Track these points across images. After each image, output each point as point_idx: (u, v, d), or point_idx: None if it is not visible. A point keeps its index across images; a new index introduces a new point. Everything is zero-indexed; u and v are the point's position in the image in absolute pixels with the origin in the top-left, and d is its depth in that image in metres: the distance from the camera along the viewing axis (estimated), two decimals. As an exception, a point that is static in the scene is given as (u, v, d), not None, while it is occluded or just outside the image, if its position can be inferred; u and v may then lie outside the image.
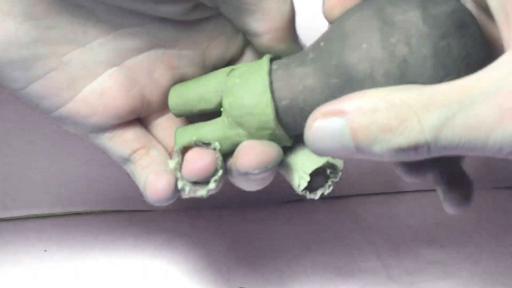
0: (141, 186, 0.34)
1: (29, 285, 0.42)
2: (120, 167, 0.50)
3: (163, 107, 0.36)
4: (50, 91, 0.33)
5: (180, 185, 0.32)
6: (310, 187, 0.33)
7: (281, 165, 0.34)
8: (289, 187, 0.52)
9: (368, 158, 0.27)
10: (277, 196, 0.52)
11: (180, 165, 0.32)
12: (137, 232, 0.48)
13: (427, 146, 0.26)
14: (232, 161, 0.33)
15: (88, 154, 0.50)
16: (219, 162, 0.32)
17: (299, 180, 0.33)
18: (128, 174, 0.49)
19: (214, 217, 0.50)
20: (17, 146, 0.49)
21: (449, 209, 0.34)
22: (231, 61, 0.36)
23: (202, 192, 0.32)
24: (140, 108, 0.35)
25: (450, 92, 0.25)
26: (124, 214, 0.50)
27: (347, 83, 0.30)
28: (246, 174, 0.32)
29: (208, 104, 0.34)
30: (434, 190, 0.52)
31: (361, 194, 0.53)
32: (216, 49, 0.35)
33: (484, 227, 0.48)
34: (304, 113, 0.32)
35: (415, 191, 0.53)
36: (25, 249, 0.46)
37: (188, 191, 0.32)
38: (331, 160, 0.33)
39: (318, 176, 0.33)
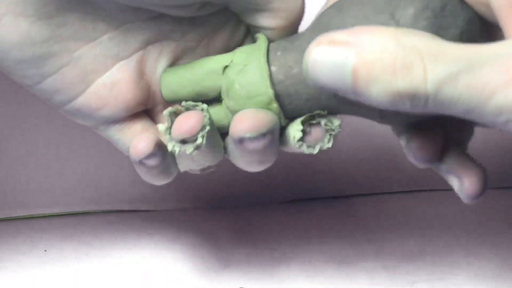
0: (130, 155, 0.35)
1: (29, 285, 0.42)
2: (120, 167, 0.50)
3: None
4: (62, 85, 0.33)
5: (170, 146, 0.32)
6: (308, 144, 0.33)
7: (281, 141, 0.34)
8: (289, 187, 0.52)
9: (360, 100, 0.26)
10: (277, 196, 0.52)
11: (170, 128, 0.33)
12: (137, 232, 0.48)
13: (425, 97, 0.25)
14: (229, 134, 0.33)
15: (88, 154, 0.50)
16: (207, 120, 0.32)
17: (294, 133, 0.33)
18: (128, 174, 0.49)
19: (214, 217, 0.50)
20: (17, 146, 0.49)
21: (466, 199, 0.33)
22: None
23: (190, 148, 0.32)
24: (147, 100, 0.36)
25: (460, 49, 0.25)
26: (124, 214, 0.50)
27: None
28: (241, 141, 0.31)
29: (205, 91, 0.34)
30: (434, 190, 0.52)
31: (361, 194, 0.53)
32: (220, 40, 0.35)
33: (484, 227, 0.48)
34: (300, 95, 0.32)
35: (415, 191, 0.53)
36: (25, 249, 0.46)
37: (178, 151, 0.32)
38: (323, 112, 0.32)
39: (315, 129, 0.33)
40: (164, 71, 0.35)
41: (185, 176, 0.50)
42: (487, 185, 0.32)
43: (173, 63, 0.35)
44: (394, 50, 0.25)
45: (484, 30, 0.31)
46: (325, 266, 0.44)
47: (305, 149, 0.33)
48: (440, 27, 0.29)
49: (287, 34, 0.34)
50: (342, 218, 0.50)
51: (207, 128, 0.32)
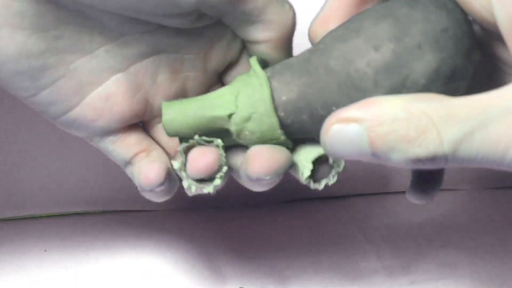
0: (136, 182, 0.35)
1: (29, 285, 0.42)
2: (120, 167, 0.50)
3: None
4: (58, 97, 0.33)
5: (186, 184, 0.33)
6: (315, 178, 0.34)
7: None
8: (289, 187, 0.52)
9: (384, 163, 0.27)
10: (277, 196, 0.52)
11: (184, 164, 0.33)
12: (137, 232, 0.48)
13: (444, 158, 0.26)
14: (242, 166, 0.33)
15: (88, 154, 0.50)
16: (223, 159, 0.32)
17: (303, 169, 0.33)
18: (127, 174, 0.49)
19: (214, 217, 0.50)
20: (17, 146, 0.49)
21: (411, 198, 0.34)
22: (231, 63, 0.36)
23: (208, 189, 0.32)
24: (143, 112, 0.36)
25: (469, 106, 0.26)
26: (124, 214, 0.50)
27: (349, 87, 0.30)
28: (257, 180, 0.32)
29: (210, 131, 0.34)
30: (434, 190, 0.52)
31: (361, 194, 0.53)
32: (217, 52, 0.35)
33: (484, 227, 0.48)
34: (309, 133, 0.32)
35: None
36: (25, 249, 0.46)
37: (195, 189, 0.33)
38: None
39: (322, 166, 0.34)
40: (164, 105, 0.34)
41: (185, 176, 0.51)
42: (432, 197, 0.34)
43: (174, 76, 0.35)
44: (406, 119, 0.26)
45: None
46: (325, 266, 0.44)
47: (311, 185, 0.34)
48: (450, 92, 0.29)
49: (281, 48, 0.34)
50: (342, 218, 0.50)
51: (225, 168, 0.32)
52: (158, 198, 0.35)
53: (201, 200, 0.51)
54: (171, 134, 0.34)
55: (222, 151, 0.32)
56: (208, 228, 0.48)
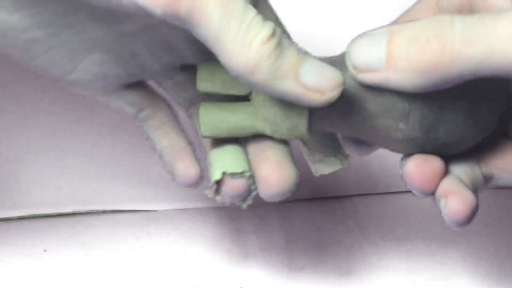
0: (157, 147, 0.38)
1: (29, 285, 0.42)
2: (121, 166, 0.50)
3: (165, 70, 0.37)
4: (52, 64, 0.34)
5: (218, 199, 0.36)
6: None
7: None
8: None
9: (393, 84, 0.29)
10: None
11: (215, 191, 0.36)
12: (137, 232, 0.48)
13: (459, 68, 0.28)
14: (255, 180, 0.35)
15: (88, 154, 0.50)
16: (252, 186, 0.35)
17: (316, 167, 0.38)
18: (128, 174, 0.49)
19: (214, 217, 0.50)
20: (18, 146, 0.49)
21: (449, 222, 0.35)
22: None
23: (242, 204, 0.37)
24: (141, 74, 0.37)
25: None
26: (124, 214, 0.50)
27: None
28: (270, 199, 0.35)
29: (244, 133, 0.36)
30: (434, 190, 0.52)
31: (361, 194, 0.53)
32: None
33: (484, 227, 0.48)
34: (333, 119, 0.33)
35: (415, 191, 0.53)
36: (25, 249, 0.46)
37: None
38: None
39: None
40: (202, 108, 0.35)
41: (185, 176, 0.50)
42: (474, 213, 0.33)
43: (167, 46, 0.36)
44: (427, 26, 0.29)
45: None
46: (325, 266, 0.44)
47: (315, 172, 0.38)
48: None
49: None
50: (342, 218, 0.50)
51: (254, 192, 0.35)
52: (192, 188, 0.38)
53: (201, 200, 0.51)
54: (205, 136, 0.35)
55: (251, 180, 0.35)
56: (208, 228, 0.48)
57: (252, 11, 0.29)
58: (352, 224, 0.49)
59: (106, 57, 0.35)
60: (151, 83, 0.39)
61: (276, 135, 0.34)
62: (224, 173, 0.35)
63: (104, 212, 0.51)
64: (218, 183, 0.35)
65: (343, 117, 0.32)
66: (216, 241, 0.47)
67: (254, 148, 0.35)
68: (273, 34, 0.29)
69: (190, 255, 0.45)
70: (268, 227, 0.48)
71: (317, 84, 0.29)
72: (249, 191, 0.35)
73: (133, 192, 0.51)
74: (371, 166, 0.52)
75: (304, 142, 0.38)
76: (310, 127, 0.34)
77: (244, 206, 0.36)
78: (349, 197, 0.52)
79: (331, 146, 0.37)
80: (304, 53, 0.30)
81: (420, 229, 0.48)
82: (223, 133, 0.35)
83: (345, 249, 0.46)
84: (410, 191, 0.53)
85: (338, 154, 0.37)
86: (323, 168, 0.37)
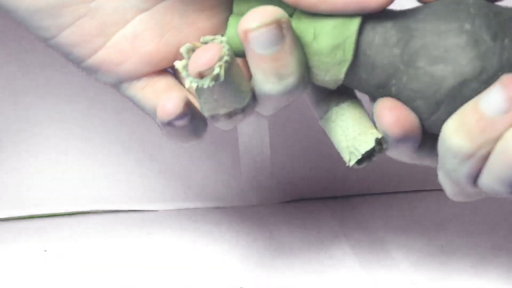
0: (147, 108, 0.34)
1: (29, 285, 0.42)
2: (121, 167, 0.50)
3: None
4: (81, 38, 0.33)
5: (187, 83, 0.31)
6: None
7: (326, 124, 0.34)
8: (289, 187, 0.51)
9: None
10: (277, 196, 0.52)
11: (187, 64, 0.31)
12: (137, 232, 0.48)
13: None
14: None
15: (88, 154, 0.50)
16: (225, 50, 0.30)
17: (350, 155, 0.33)
18: (128, 174, 0.49)
19: (214, 217, 0.50)
20: (18, 146, 0.49)
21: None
22: None
23: (207, 81, 0.30)
24: (174, 56, 0.34)
25: None
26: (124, 214, 0.50)
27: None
28: (245, 33, 0.30)
29: None
30: (434, 190, 0.52)
31: (361, 194, 0.53)
32: None
33: (484, 227, 0.48)
34: (371, 73, 0.31)
35: (415, 191, 0.53)
36: (25, 249, 0.46)
37: (196, 86, 0.31)
38: (379, 137, 0.32)
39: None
40: (231, 20, 0.33)
41: (185, 176, 0.50)
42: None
43: (208, 13, 0.34)
44: None
45: None
46: (325, 266, 0.44)
47: (354, 166, 0.33)
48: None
49: None
50: (342, 218, 0.50)
51: (225, 58, 0.30)
52: (182, 137, 0.33)
53: (201, 200, 0.51)
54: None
55: (225, 45, 0.31)
56: (208, 228, 0.48)
57: None
58: (352, 224, 0.49)
59: (140, 29, 0.33)
60: None
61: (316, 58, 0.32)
62: (197, 44, 0.31)
63: (104, 212, 0.51)
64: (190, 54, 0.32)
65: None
66: (216, 241, 0.47)
67: None
68: None
69: (190, 255, 0.45)
70: (268, 227, 0.48)
71: None
72: (220, 57, 0.30)
73: (133, 192, 0.51)
74: (372, 166, 0.52)
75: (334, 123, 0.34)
76: (356, 52, 0.31)
77: (207, 82, 0.30)
78: (349, 197, 0.52)
79: (364, 123, 0.33)
80: None
81: (420, 229, 0.48)
82: None
83: (345, 249, 0.46)
84: (410, 191, 0.53)
85: (374, 131, 0.33)
86: (358, 147, 0.33)
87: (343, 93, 0.34)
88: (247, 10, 0.32)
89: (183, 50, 0.31)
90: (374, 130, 0.33)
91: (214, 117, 0.33)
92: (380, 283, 0.42)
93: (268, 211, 0.50)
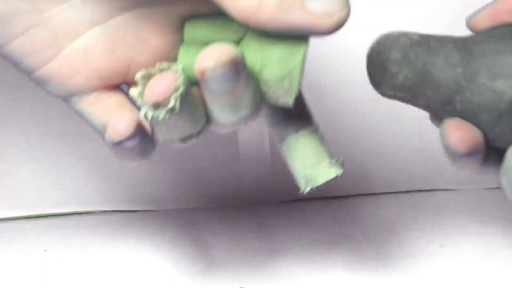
0: (96, 123, 0.34)
1: (29, 285, 0.42)
2: (120, 166, 0.50)
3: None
4: (32, 48, 0.32)
5: (142, 112, 0.31)
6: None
7: (286, 149, 0.36)
8: (289, 187, 0.51)
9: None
10: (277, 196, 0.52)
11: (142, 92, 0.31)
12: (137, 232, 0.48)
13: None
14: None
15: (88, 154, 0.50)
16: (181, 81, 0.30)
17: (306, 183, 0.35)
18: (128, 174, 0.49)
19: (214, 217, 0.50)
20: (17, 146, 0.49)
21: (448, 154, 0.34)
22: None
23: (162, 113, 0.30)
24: (126, 72, 0.34)
25: None
26: (124, 214, 0.50)
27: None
28: (202, 74, 0.30)
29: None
30: (434, 190, 0.52)
31: (361, 194, 0.53)
32: None
33: (484, 227, 0.48)
34: None
35: (415, 191, 0.53)
36: (25, 249, 0.46)
37: (151, 117, 0.31)
38: (339, 173, 0.35)
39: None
40: (187, 23, 0.34)
41: (185, 176, 0.51)
42: (479, 145, 0.33)
43: (161, 31, 0.34)
44: None
45: None
46: (325, 266, 0.44)
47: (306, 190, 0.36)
48: None
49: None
50: (342, 218, 0.50)
51: (181, 89, 0.30)
52: (129, 157, 0.33)
53: (201, 200, 0.51)
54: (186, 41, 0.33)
55: (181, 74, 0.31)
56: (208, 228, 0.48)
57: None
58: (352, 224, 0.49)
59: (92, 43, 0.33)
60: None
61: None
62: (151, 72, 0.31)
63: (104, 212, 0.51)
64: (145, 81, 0.31)
65: None
66: (216, 241, 0.47)
67: None
68: None
69: (190, 255, 0.45)
70: (268, 227, 0.48)
71: (324, 8, 0.30)
72: (174, 88, 0.30)
73: (133, 192, 0.51)
74: (372, 166, 0.52)
75: (290, 152, 0.36)
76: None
77: (163, 113, 0.30)
78: (349, 197, 0.52)
79: (322, 152, 0.36)
80: None
81: (420, 229, 0.48)
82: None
83: (345, 249, 0.46)
84: (410, 191, 0.53)
85: (331, 159, 0.35)
86: (315, 178, 0.35)
87: (302, 117, 0.36)
88: (199, 37, 0.33)
89: (138, 77, 0.31)
90: (329, 160, 0.35)
91: (167, 141, 0.33)
92: (380, 283, 0.42)
93: (268, 211, 0.50)
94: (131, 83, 0.34)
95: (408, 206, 0.51)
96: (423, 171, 0.52)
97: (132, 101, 0.35)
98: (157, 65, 0.31)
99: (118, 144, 0.32)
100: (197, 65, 0.30)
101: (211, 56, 0.29)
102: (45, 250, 0.46)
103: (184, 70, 0.31)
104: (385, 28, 0.35)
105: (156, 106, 0.30)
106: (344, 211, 0.50)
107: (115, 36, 0.33)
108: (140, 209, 0.51)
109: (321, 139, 0.36)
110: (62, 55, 0.33)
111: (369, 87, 0.35)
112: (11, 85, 0.48)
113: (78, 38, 0.33)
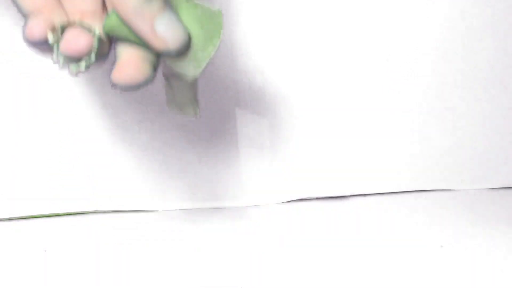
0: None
1: (29, 285, 0.42)
2: (120, 166, 0.50)
3: None
4: None
5: (54, 57, 0.34)
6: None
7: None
8: (289, 187, 0.51)
9: None
10: (277, 196, 0.52)
11: (58, 40, 0.34)
12: (137, 232, 0.48)
13: None
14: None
15: (88, 154, 0.50)
16: (95, 46, 0.34)
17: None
18: (128, 174, 0.49)
19: (214, 217, 0.50)
20: (17, 146, 0.49)
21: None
22: None
23: (72, 68, 0.34)
24: None
25: None
26: (124, 214, 0.50)
27: None
28: (114, 85, 0.35)
29: None
30: (434, 190, 0.52)
31: (361, 194, 0.53)
32: None
33: (484, 227, 0.48)
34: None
35: (415, 191, 0.53)
36: (25, 249, 0.46)
37: (62, 64, 0.34)
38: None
39: None
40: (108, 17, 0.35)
41: (185, 176, 0.51)
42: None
43: None
44: None
45: None
46: (325, 266, 0.44)
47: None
48: None
49: None
50: (342, 218, 0.50)
51: (93, 56, 0.34)
52: (44, 54, 0.36)
53: (201, 200, 0.51)
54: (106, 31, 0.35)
55: (96, 40, 0.34)
56: (208, 228, 0.48)
57: None
58: (352, 224, 0.49)
59: None
60: None
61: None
62: (74, 22, 0.34)
63: (104, 212, 0.51)
64: (63, 29, 0.34)
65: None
66: (216, 241, 0.47)
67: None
68: None
69: (190, 255, 0.45)
70: (268, 227, 0.48)
71: (165, 36, 0.34)
72: (88, 51, 0.34)
73: (133, 192, 0.51)
74: (371, 166, 0.52)
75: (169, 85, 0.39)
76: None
77: (73, 69, 0.34)
78: (349, 197, 0.52)
79: (190, 97, 0.39)
80: (169, 8, 0.34)
81: (420, 229, 0.48)
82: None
83: (345, 248, 0.46)
84: (410, 191, 0.53)
85: (194, 103, 0.39)
86: (178, 111, 0.39)
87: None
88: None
89: (58, 25, 0.34)
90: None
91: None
92: (380, 283, 0.42)
93: (268, 211, 0.50)
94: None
95: (408, 206, 0.51)
96: (423, 171, 0.52)
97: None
98: (78, 21, 0.34)
99: (32, 44, 0.35)
100: (114, 78, 0.34)
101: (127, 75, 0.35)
102: (45, 250, 0.46)
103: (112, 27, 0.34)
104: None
105: (69, 58, 0.34)
106: (344, 211, 0.50)
107: None
108: (140, 209, 0.51)
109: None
110: None
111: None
112: (11, 85, 0.48)
113: None
